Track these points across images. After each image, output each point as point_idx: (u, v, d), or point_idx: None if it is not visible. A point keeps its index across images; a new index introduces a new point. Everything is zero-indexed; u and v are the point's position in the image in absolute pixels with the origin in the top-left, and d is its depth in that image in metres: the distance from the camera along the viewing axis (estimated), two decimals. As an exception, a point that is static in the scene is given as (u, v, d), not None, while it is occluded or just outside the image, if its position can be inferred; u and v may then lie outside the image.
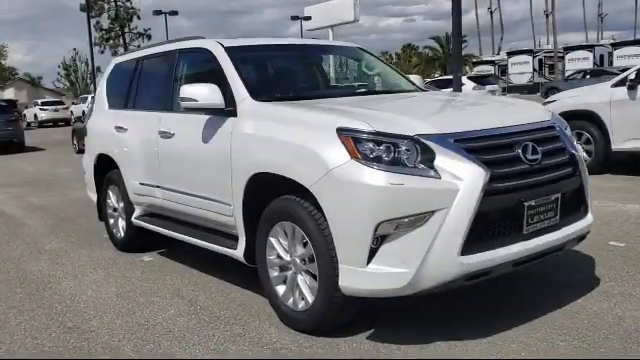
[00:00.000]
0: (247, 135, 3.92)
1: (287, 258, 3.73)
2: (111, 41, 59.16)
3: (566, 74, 40.93)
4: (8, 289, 4.96)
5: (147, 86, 5.62)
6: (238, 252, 4.08)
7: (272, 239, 3.78)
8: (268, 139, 3.73)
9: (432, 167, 3.10)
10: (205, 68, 4.80)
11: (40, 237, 6.93)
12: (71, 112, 38.89)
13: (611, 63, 41.62)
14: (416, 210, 3.03)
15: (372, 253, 3.10)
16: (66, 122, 37.38)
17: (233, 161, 3.99)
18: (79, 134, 18.08)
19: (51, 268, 5.54)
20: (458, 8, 9.96)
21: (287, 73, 5.11)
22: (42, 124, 38.92)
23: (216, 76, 4.42)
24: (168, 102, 5.01)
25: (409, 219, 3.04)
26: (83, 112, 36.98)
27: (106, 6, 57.20)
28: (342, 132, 3.25)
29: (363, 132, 3.20)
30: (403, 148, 3.12)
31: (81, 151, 18.10)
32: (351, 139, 3.20)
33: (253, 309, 4.14)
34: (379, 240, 3.10)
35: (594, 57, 43.40)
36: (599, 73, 33.26)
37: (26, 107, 42.04)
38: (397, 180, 3.02)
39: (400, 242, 3.07)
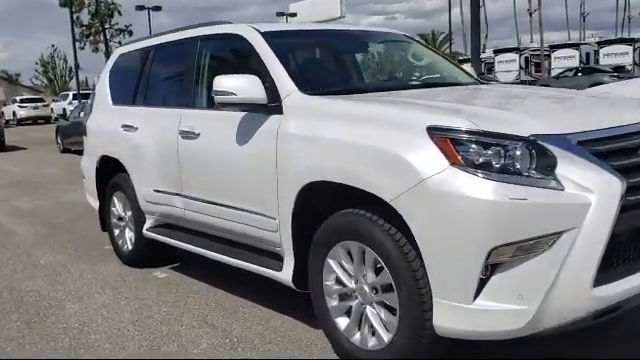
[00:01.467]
0: (298, 136, 3.26)
1: (351, 285, 3.08)
2: (91, 37, 57.91)
3: (552, 72, 40.78)
4: (2, 315, 4.25)
5: (161, 79, 4.94)
6: (284, 275, 3.43)
7: (331, 261, 3.14)
8: (328, 141, 3.07)
9: (553, 176, 2.48)
10: (236, 57, 4.16)
11: (32, 248, 6.20)
12: (51, 110, 37.76)
13: (597, 61, 41.57)
14: (539, 232, 2.40)
15: (480, 286, 2.47)
16: (46, 120, 36.24)
17: (280, 167, 3.34)
18: (63, 132, 17.25)
19: (50, 287, 4.83)
20: (476, 5, 9.42)
21: (335, 62, 4.45)
22: (21, 122, 37.61)
23: (251, 67, 3.77)
24: (189, 97, 4.33)
25: (530, 243, 2.41)
26: (64, 110, 36.00)
27: (86, 1, 55.84)
28: (435, 132, 2.61)
29: (465, 132, 2.56)
30: (517, 152, 2.49)
31: (66, 150, 17.31)
32: (449, 141, 2.56)
33: (302, 342, 3.49)
34: (489, 269, 2.46)
35: (580, 55, 43.26)
36: (590, 71, 33.10)
37: (4, 104, 40.70)
38: (518, 193, 2.39)
39: (517, 272, 2.44)
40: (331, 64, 4.41)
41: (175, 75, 4.71)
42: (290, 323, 3.76)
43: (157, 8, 42.32)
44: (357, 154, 2.88)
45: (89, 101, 16.99)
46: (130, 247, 5.24)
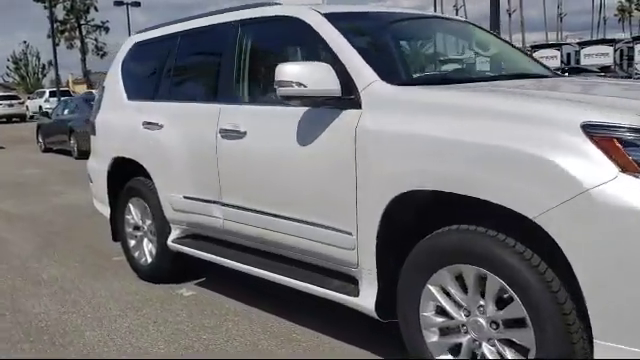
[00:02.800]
0: (386, 134, 2.70)
1: (460, 318, 2.54)
2: (66, 33, 56.60)
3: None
4: (11, 345, 3.63)
5: (191, 70, 4.35)
6: (364, 301, 2.88)
7: (432, 288, 2.59)
8: (433, 140, 2.51)
9: None
10: (289, 44, 3.62)
11: (30, 259, 5.54)
12: (26, 107, 36.54)
13: (578, 61, 41.67)
14: None
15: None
16: (21, 118, 35.01)
17: (360, 172, 2.78)
18: (45, 131, 16.41)
19: (60, 308, 4.20)
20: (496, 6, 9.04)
21: (410, 49, 3.88)
22: (-6, 120, 36.33)
23: (310, 54, 3.23)
24: (229, 91, 3.75)
25: None
26: (40, 107, 34.83)
27: (61, -4, 54.51)
28: (595, 130, 2.08)
29: (636, 130, 2.03)
30: None
31: (48, 149, 16.45)
32: (616, 141, 2.03)
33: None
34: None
35: (561, 55, 43.37)
36: (577, 71, 33.04)
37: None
38: None
39: None
40: (407, 51, 3.85)
41: (209, 65, 4.12)
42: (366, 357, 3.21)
43: (136, 4, 41.38)
44: (477, 157, 2.33)
45: (74, 99, 16.19)
46: (150, 260, 4.63)
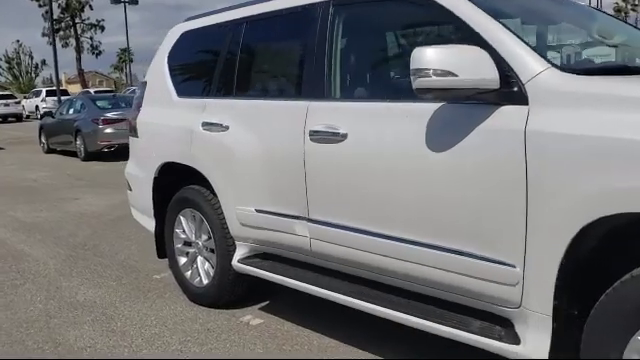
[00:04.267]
0: (575, 138, 2.08)
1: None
2: (61, 32, 55.62)
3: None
4: (61, 392, 3.00)
5: (264, 61, 3.75)
6: (529, 350, 2.27)
7: (641, 338, 1.98)
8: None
9: None
10: (408, 25, 2.98)
11: (59, 278, 4.90)
12: (23, 107, 35.71)
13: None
14: None
15: None
16: (17, 118, 34.16)
17: (535, 188, 2.17)
18: (49, 131, 15.70)
19: (108, 341, 3.58)
20: None
21: (563, 33, 3.26)
22: (-10, 120, 35.49)
23: (440, 38, 2.60)
24: (321, 84, 3.12)
25: None
26: (37, 107, 34.05)
27: (57, -5, 53.59)
28: None
29: None
30: None
31: (51, 150, 15.68)
32: None
33: None
34: None
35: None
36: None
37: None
38: None
39: None
40: (562, 35, 3.23)
41: (289, 55, 3.52)
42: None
43: (134, 2, 40.64)
44: None
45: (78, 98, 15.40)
46: (206, 281, 4.00)
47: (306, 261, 3.34)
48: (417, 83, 2.33)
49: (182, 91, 4.16)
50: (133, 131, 4.55)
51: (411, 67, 2.33)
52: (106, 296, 4.40)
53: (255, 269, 3.56)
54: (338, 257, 3.06)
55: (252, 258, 3.67)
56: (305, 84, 3.21)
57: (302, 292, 3.25)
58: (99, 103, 14.20)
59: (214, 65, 3.88)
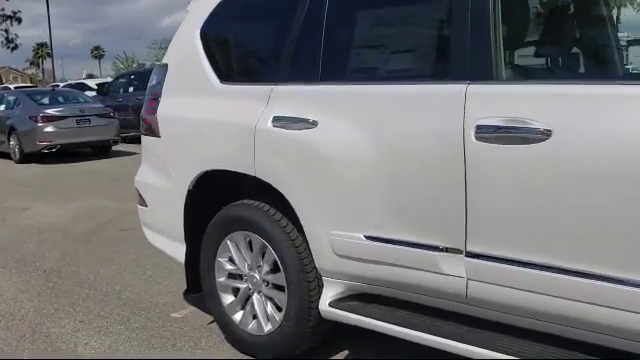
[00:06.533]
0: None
1: None
2: (-27, 24, 51.78)
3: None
4: None
5: (374, 28, 2.76)
6: None
7: None
8: None
9: None
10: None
11: (43, 321, 3.78)
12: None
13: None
14: None
15: None
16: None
17: None
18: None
19: None
20: None
21: None
22: None
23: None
24: (485, 60, 2.20)
25: None
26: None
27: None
28: None
29: None
30: None
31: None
32: None
33: None
34: None
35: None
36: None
37: None
38: None
39: None
40: None
41: (422, 16, 2.57)
42: None
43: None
44: None
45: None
46: (269, 328, 2.99)
47: (435, 305, 2.43)
48: None
49: (228, 75, 3.14)
50: (149, 129, 3.48)
51: None
52: (118, 347, 3.33)
53: (358, 317, 2.61)
54: (517, 307, 2.15)
55: (348, 300, 2.72)
56: (458, 60, 2.28)
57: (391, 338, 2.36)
58: (37, 98, 12.63)
59: (283, 37, 2.87)
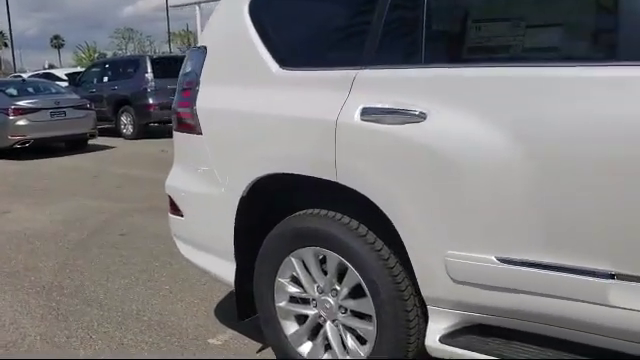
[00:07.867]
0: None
1: None
2: None
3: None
4: None
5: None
6: None
7: None
8: None
9: None
10: None
11: (55, 352, 3.16)
12: None
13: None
14: None
15: None
16: None
17: None
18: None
19: None
20: None
21: None
22: None
23: None
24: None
25: None
26: None
27: None
28: None
29: None
30: None
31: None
32: None
33: None
34: None
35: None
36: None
37: None
38: None
39: None
40: None
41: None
42: None
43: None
44: None
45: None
46: (350, 366, 2.48)
47: (587, 342, 1.95)
48: None
49: (289, 59, 2.58)
50: (185, 125, 2.90)
51: None
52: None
53: (480, 355, 2.11)
54: None
55: (460, 334, 2.22)
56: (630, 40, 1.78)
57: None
58: (6, 90, 11.75)
59: (371, 9, 2.32)
